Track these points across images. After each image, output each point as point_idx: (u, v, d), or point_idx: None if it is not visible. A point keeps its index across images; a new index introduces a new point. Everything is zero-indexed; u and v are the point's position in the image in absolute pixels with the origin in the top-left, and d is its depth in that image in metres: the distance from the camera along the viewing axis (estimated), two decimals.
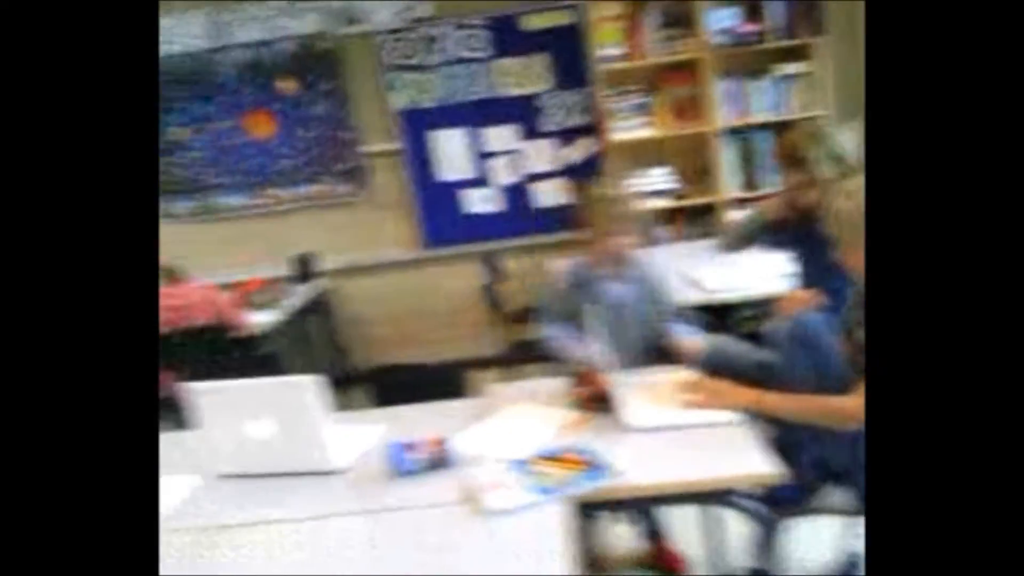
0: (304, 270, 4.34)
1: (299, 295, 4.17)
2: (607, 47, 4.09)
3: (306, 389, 1.56)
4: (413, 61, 4.46)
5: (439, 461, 1.51)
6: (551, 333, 2.01)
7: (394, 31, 4.42)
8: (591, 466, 1.41)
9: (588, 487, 1.36)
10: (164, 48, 4.43)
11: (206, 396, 1.65)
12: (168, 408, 3.41)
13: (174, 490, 1.60)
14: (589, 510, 1.40)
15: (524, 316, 4.09)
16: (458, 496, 1.41)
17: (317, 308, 4.49)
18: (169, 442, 2.08)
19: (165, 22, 4.41)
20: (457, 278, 4.72)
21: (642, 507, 2.01)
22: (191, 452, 1.77)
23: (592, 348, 1.75)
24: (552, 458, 1.46)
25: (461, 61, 4.45)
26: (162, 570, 1.30)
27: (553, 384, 1.93)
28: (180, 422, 2.72)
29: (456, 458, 1.53)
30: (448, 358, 2.37)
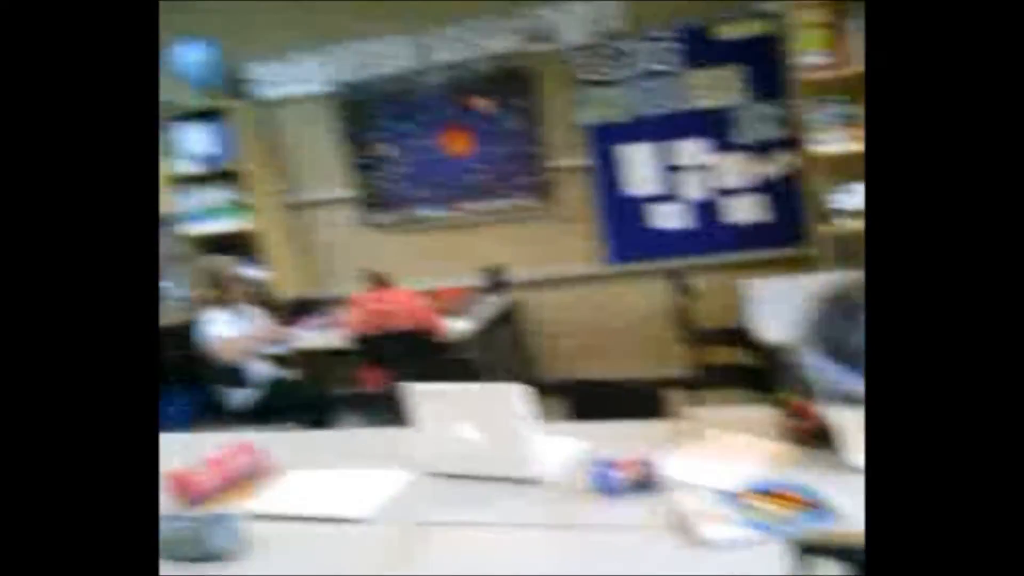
0: (494, 281, 4.50)
1: (489, 305, 4.33)
2: (809, 55, 3.86)
3: (516, 397, 1.60)
4: (603, 76, 4.49)
5: (644, 482, 1.50)
6: (814, 363, 1.83)
7: (585, 47, 4.48)
8: (812, 506, 1.33)
9: (809, 529, 1.29)
10: (374, 70, 4.81)
11: (420, 396, 1.74)
12: (379, 404, 3.70)
13: (386, 484, 1.71)
14: (806, 554, 1.31)
15: (715, 337, 3.96)
16: (665, 521, 1.39)
17: (506, 319, 4.64)
18: (381, 437, 2.27)
19: (376, 46, 4.78)
20: (641, 294, 4.68)
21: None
22: (402, 449, 1.88)
23: (852, 379, 1.61)
24: (767, 493, 1.40)
25: (652, 74, 4.41)
26: (368, 563, 1.39)
27: (758, 413, 1.85)
28: (391, 419, 2.91)
29: (661, 481, 1.51)
30: (633, 375, 2.33)
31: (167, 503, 1.73)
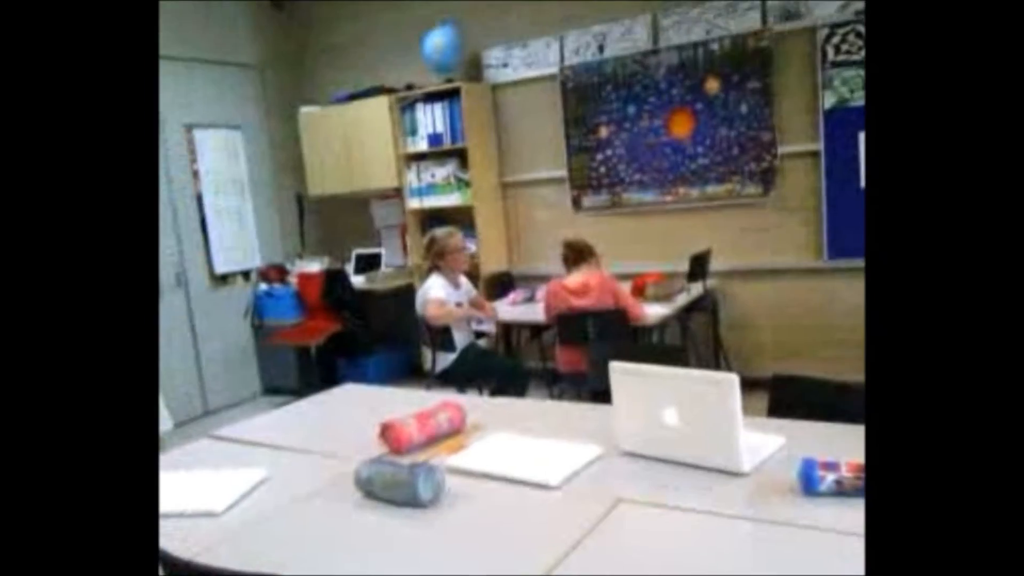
0: (698, 268, 4.36)
1: (689, 292, 4.22)
2: None
3: (728, 387, 1.55)
4: (854, 56, 4.13)
5: (856, 488, 1.38)
6: None
7: (837, 25, 4.14)
8: None
9: None
10: (608, 52, 4.82)
11: (623, 376, 1.74)
12: (572, 381, 3.76)
13: (581, 456, 1.73)
14: None
15: None
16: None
17: (704, 306, 4.49)
18: (577, 412, 2.30)
19: (613, 28, 4.78)
20: (861, 293, 4.26)
21: None
22: (599, 425, 1.89)
23: None
24: None
25: None
26: (569, 524, 1.42)
27: None
28: (583, 397, 2.93)
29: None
30: (841, 378, 2.15)
31: (379, 450, 1.90)
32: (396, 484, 1.58)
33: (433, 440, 1.93)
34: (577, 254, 3.70)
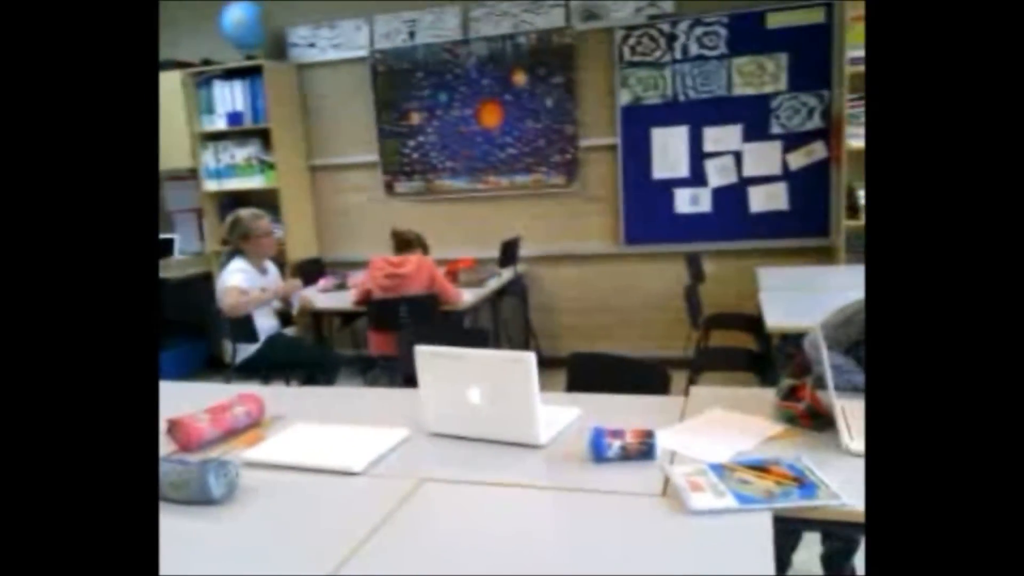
0: (508, 254, 4.51)
1: (501, 277, 4.35)
2: (857, 48, 3.79)
3: (526, 365, 1.60)
4: (647, 58, 4.46)
5: (639, 452, 1.50)
6: (829, 354, 1.76)
7: (633, 27, 4.43)
8: (801, 483, 1.32)
9: (796, 503, 1.28)
10: (419, 39, 4.80)
11: (428, 358, 1.75)
12: (383, 367, 3.72)
13: (385, 440, 1.72)
14: (788, 526, 1.31)
15: (724, 321, 3.93)
16: (656, 489, 1.39)
17: (514, 291, 4.65)
18: (384, 397, 2.29)
19: (424, 15, 4.77)
20: (657, 277, 4.66)
21: (850, 535, 1.87)
22: (404, 409, 1.89)
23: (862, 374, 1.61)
24: (757, 468, 1.39)
25: (696, 59, 4.37)
26: (372, 508, 1.42)
27: (760, 394, 1.85)
28: (394, 383, 2.91)
29: (656, 452, 1.51)
30: (639, 354, 2.34)
31: (167, 448, 1.77)
32: (185, 483, 1.48)
33: (229, 434, 1.82)
34: (406, 244, 3.70)
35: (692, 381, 3.16)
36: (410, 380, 1.87)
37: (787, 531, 1.57)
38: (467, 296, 3.84)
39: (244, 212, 3.72)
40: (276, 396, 2.10)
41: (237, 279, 3.54)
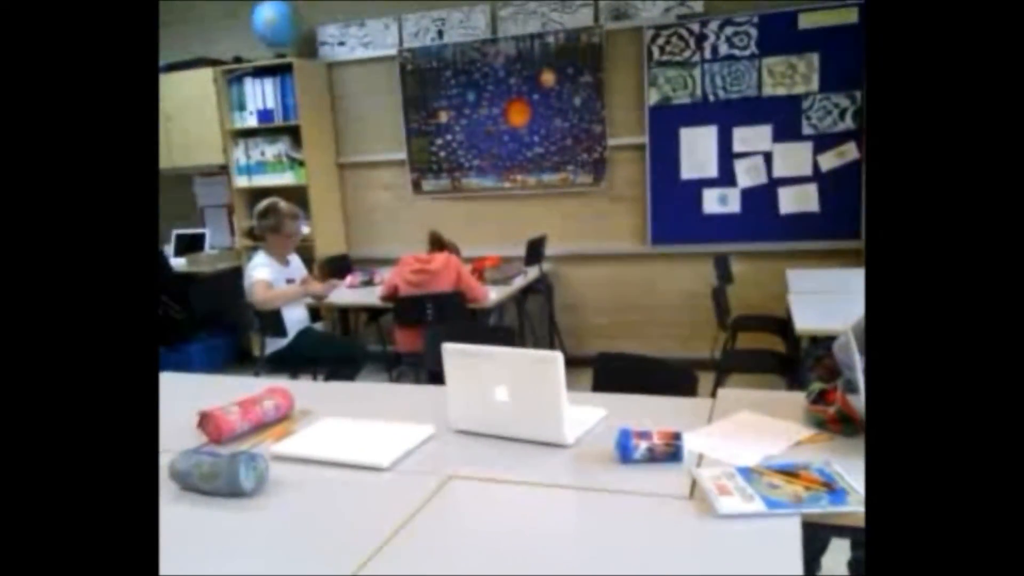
0: (534, 252, 4.51)
1: (526, 276, 4.35)
2: None
3: (553, 364, 1.60)
4: (676, 58, 4.43)
5: (666, 454, 1.49)
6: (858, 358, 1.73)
7: (662, 27, 4.41)
8: (830, 488, 1.31)
9: (825, 509, 1.27)
10: (447, 38, 4.82)
11: (457, 357, 1.76)
12: (409, 363, 3.74)
13: (412, 437, 1.73)
14: (818, 532, 1.30)
15: (752, 323, 3.90)
16: (683, 492, 1.38)
17: (540, 289, 4.65)
18: (411, 393, 2.30)
19: (452, 14, 4.79)
20: (684, 277, 4.63)
21: None
22: (431, 406, 1.90)
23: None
24: (786, 472, 1.37)
25: (726, 59, 4.34)
26: (398, 504, 1.43)
27: (789, 397, 1.83)
28: (420, 379, 2.92)
29: (684, 454, 1.50)
30: (666, 354, 2.32)
31: (198, 440, 1.80)
32: (216, 475, 1.50)
33: (259, 428, 1.85)
34: (439, 246, 3.75)
35: (719, 383, 3.13)
36: (435, 377, 1.89)
37: (815, 536, 1.55)
38: (493, 294, 3.85)
39: (285, 205, 3.71)
40: (304, 390, 2.12)
41: (263, 273, 3.59)
